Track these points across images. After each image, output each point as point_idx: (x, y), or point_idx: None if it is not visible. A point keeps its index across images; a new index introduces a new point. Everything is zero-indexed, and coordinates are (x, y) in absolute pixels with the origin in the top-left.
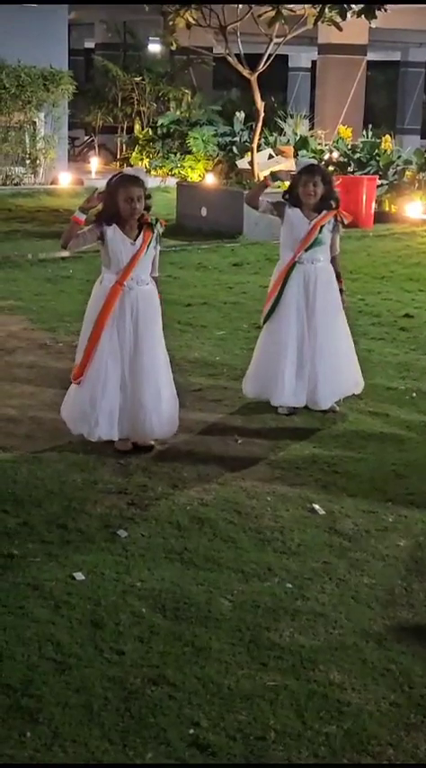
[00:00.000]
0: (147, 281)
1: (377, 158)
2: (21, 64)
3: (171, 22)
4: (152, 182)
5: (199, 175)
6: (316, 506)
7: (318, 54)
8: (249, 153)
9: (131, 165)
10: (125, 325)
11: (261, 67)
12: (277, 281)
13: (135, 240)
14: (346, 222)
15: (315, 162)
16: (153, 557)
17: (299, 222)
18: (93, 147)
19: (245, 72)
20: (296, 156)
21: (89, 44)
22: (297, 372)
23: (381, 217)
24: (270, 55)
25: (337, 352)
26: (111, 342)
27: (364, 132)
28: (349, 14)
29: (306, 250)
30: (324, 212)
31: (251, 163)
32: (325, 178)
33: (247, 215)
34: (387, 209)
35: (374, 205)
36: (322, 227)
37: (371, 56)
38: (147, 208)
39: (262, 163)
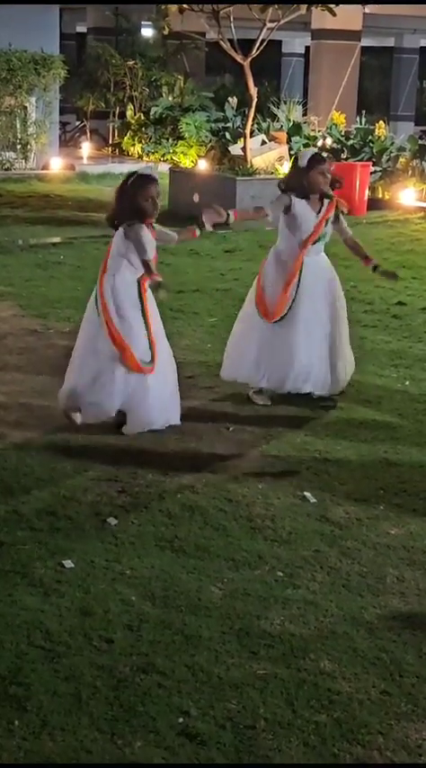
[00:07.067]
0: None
1: (371, 145)
2: (11, 48)
3: (163, 7)
4: (144, 168)
5: (192, 161)
6: (307, 494)
7: (312, 39)
8: (242, 139)
9: (123, 151)
10: None
11: (255, 53)
12: (290, 278)
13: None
14: (345, 211)
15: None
16: (143, 544)
17: (307, 214)
18: (85, 132)
19: (238, 57)
20: (289, 142)
21: (81, 28)
22: (329, 361)
23: (374, 204)
24: (263, 40)
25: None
26: None
27: (358, 118)
28: None
29: (313, 243)
30: (327, 203)
31: (243, 149)
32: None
33: (240, 201)
34: (381, 195)
35: (367, 192)
36: (327, 221)
37: (365, 42)
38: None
39: (255, 149)
